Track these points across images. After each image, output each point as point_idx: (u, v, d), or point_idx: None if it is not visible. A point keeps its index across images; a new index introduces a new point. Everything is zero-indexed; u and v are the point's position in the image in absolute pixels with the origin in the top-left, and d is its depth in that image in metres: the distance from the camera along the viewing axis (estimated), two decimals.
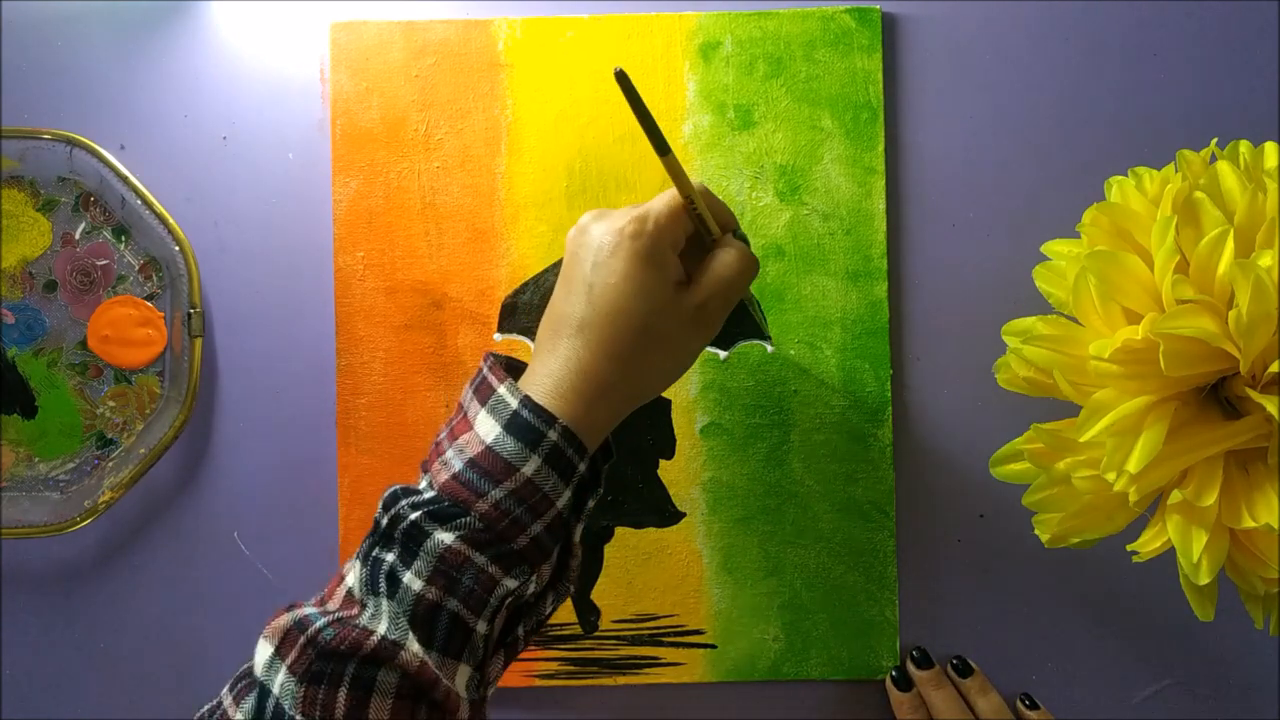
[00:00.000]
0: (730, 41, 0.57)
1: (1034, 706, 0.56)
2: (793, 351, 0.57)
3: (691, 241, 0.45)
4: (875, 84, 0.57)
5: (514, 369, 0.46)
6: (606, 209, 0.45)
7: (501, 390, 0.42)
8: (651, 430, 0.57)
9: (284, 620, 0.39)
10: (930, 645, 0.57)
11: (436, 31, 0.57)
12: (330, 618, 0.38)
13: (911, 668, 0.56)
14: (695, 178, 0.57)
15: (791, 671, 0.56)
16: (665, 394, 0.57)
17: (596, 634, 0.57)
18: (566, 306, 0.43)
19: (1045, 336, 0.46)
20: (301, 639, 0.37)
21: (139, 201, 0.56)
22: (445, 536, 0.39)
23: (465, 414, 0.43)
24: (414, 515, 0.39)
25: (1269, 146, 0.47)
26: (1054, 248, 0.50)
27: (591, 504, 0.45)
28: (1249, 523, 0.42)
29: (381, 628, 0.38)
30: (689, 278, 0.45)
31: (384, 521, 0.40)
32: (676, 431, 0.57)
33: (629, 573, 0.57)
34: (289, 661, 0.37)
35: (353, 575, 0.41)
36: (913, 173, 0.58)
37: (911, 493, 0.57)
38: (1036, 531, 0.48)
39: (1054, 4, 0.58)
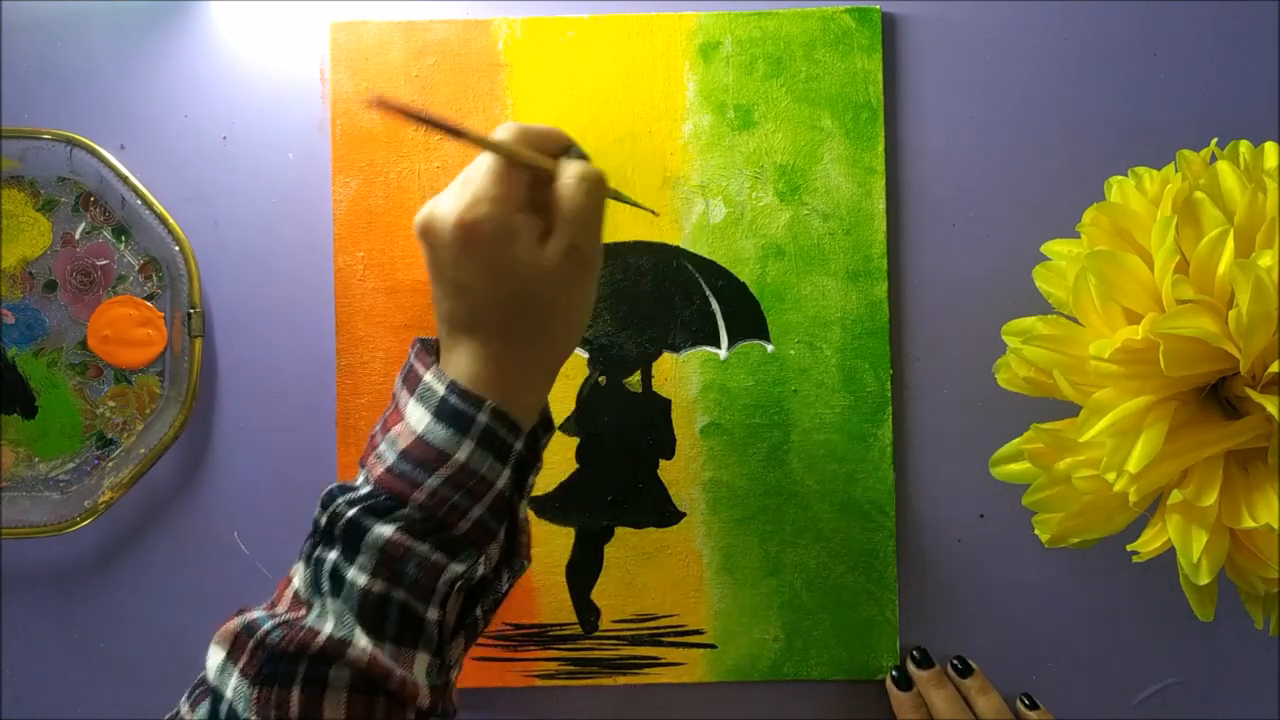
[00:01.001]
0: (730, 41, 0.57)
1: (1034, 706, 0.56)
2: (793, 351, 0.57)
3: (538, 178, 0.43)
4: (875, 84, 0.57)
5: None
6: (438, 196, 0.42)
7: (428, 377, 0.41)
8: (651, 430, 0.57)
9: (233, 625, 0.38)
10: (930, 645, 0.57)
11: (436, 31, 0.57)
12: (277, 620, 0.38)
13: (912, 667, 0.56)
14: (694, 177, 0.57)
15: (791, 671, 0.56)
16: (665, 394, 0.57)
17: (596, 634, 0.57)
18: (447, 305, 0.42)
19: (1045, 336, 0.46)
20: (250, 642, 0.37)
21: (139, 201, 0.56)
22: (385, 529, 0.39)
23: (397, 405, 0.42)
24: (351, 512, 0.39)
25: (1269, 146, 0.47)
26: (1054, 248, 0.50)
27: (532, 479, 0.45)
28: (1249, 523, 0.42)
29: (328, 626, 0.38)
30: (549, 220, 0.42)
31: (322, 521, 0.40)
32: (676, 431, 0.57)
33: (629, 573, 0.57)
34: (240, 665, 0.37)
35: (298, 577, 0.41)
36: (913, 173, 0.58)
37: (911, 493, 0.57)
38: (1036, 531, 0.48)
39: (1054, 4, 0.58)
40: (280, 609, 0.40)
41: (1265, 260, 0.40)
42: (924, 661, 0.56)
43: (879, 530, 0.56)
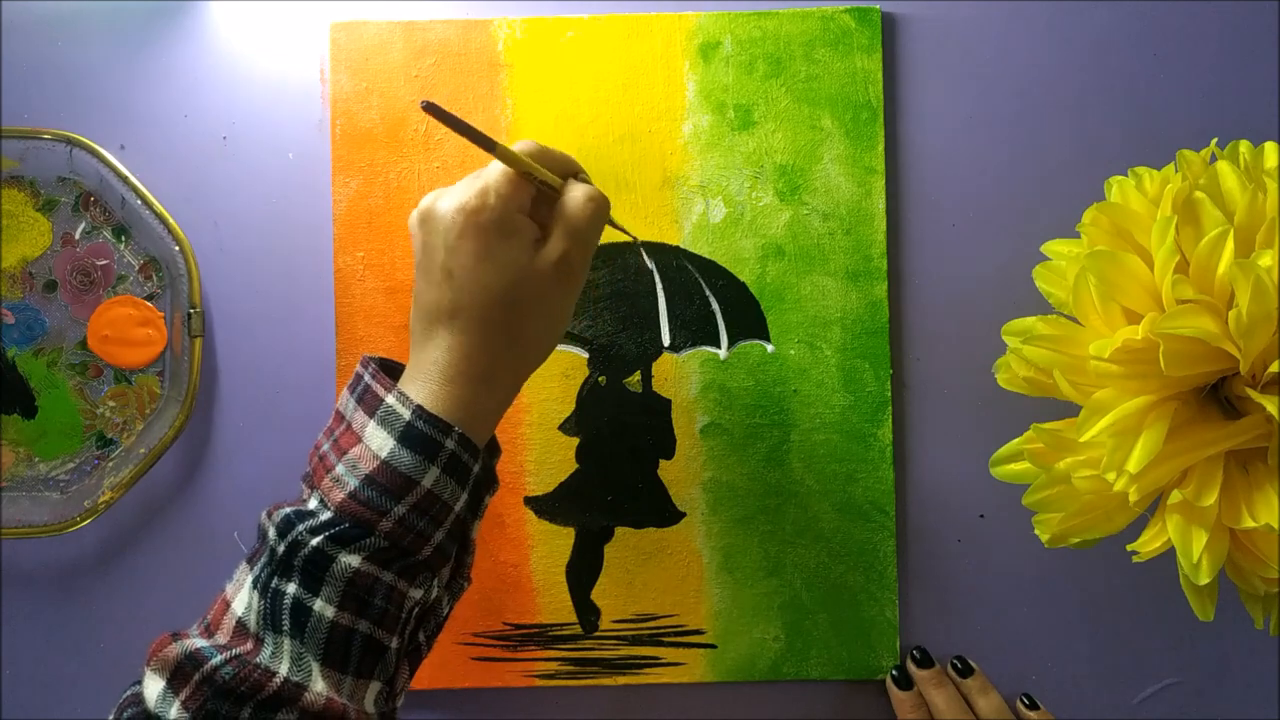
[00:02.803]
0: (730, 41, 0.57)
1: (1034, 706, 0.56)
2: (793, 351, 0.57)
3: (541, 194, 0.44)
4: (875, 84, 0.57)
5: (393, 370, 0.45)
6: (443, 188, 0.43)
7: (390, 400, 0.41)
8: (651, 430, 0.57)
9: (173, 652, 0.37)
10: (930, 645, 0.57)
11: (436, 31, 0.57)
12: (227, 655, 0.37)
13: (912, 667, 0.56)
14: (694, 177, 0.57)
15: (791, 671, 0.56)
16: (665, 394, 0.57)
17: (596, 634, 0.57)
18: (431, 295, 0.42)
19: (1045, 336, 0.46)
20: (196, 676, 0.37)
21: (139, 201, 0.56)
22: (352, 559, 0.38)
23: (350, 424, 0.42)
24: (315, 541, 0.38)
25: (1269, 146, 0.47)
26: (1054, 248, 0.50)
27: (488, 499, 0.45)
28: (1249, 523, 0.42)
29: (283, 668, 0.37)
30: (545, 231, 0.43)
31: (280, 549, 0.39)
32: (676, 431, 0.57)
33: (629, 573, 0.57)
34: (183, 698, 0.36)
35: (242, 604, 0.39)
36: (913, 173, 0.58)
37: (911, 493, 0.57)
38: (1036, 531, 0.48)
39: (1054, 4, 0.58)
40: (221, 637, 0.39)
41: (1265, 260, 0.40)
42: (924, 661, 0.56)
43: (879, 530, 0.56)
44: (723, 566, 0.57)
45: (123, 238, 0.58)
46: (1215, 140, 0.47)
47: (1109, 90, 0.58)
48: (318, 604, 0.38)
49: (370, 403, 0.41)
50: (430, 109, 0.40)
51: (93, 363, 0.57)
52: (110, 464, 0.57)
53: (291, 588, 0.38)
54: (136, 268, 0.58)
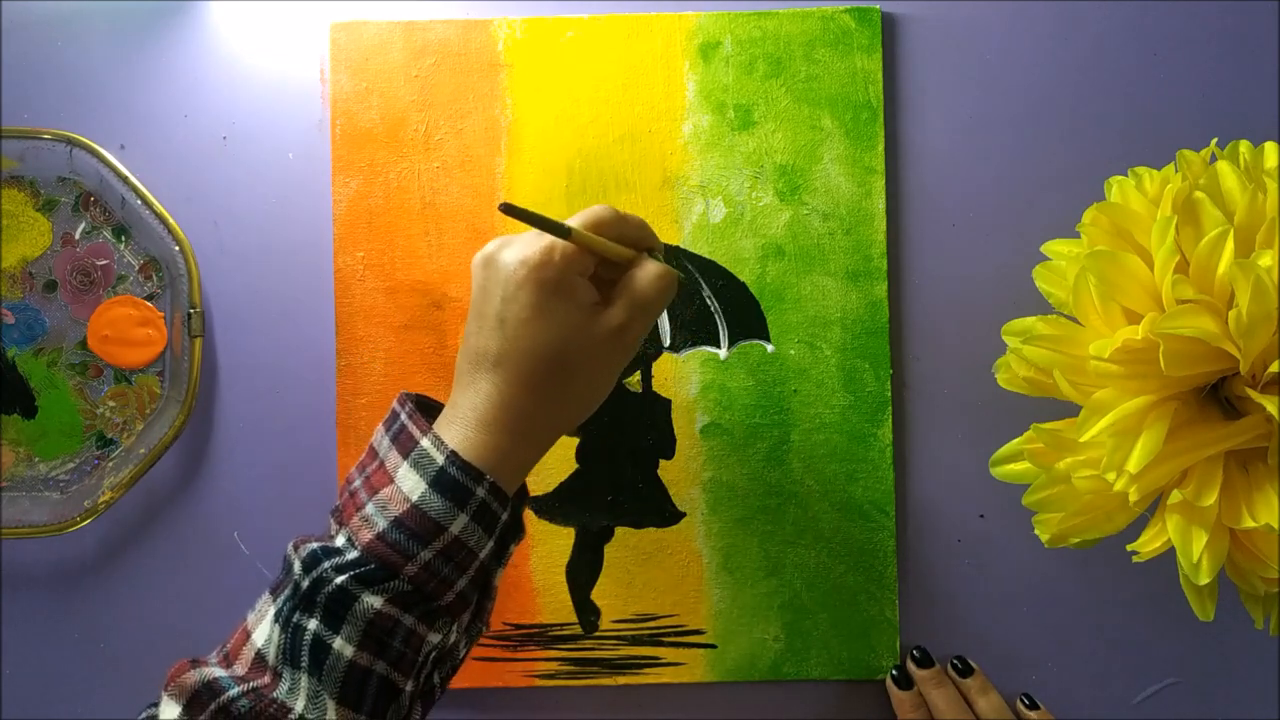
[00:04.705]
0: (730, 41, 0.57)
1: (1034, 706, 0.56)
2: (793, 351, 0.57)
3: (605, 261, 0.45)
4: (875, 84, 0.57)
5: (430, 409, 0.45)
6: (511, 236, 0.44)
7: (425, 443, 0.41)
8: (651, 430, 0.57)
9: (191, 679, 0.38)
10: (930, 645, 0.57)
11: (436, 31, 0.57)
12: (244, 686, 0.37)
13: (912, 667, 0.56)
14: (694, 177, 0.57)
15: (791, 671, 0.56)
16: (665, 394, 0.57)
17: (596, 634, 0.57)
18: (481, 340, 0.42)
19: (1045, 336, 0.46)
20: (213, 705, 0.37)
21: (139, 201, 0.56)
22: (374, 601, 0.38)
23: (383, 463, 0.42)
24: (340, 579, 0.38)
25: (1269, 146, 0.47)
26: (1054, 248, 0.50)
27: (513, 548, 0.44)
28: (1249, 523, 0.42)
29: (299, 705, 0.37)
30: (604, 298, 0.44)
31: (304, 584, 0.39)
32: (676, 431, 0.57)
33: (629, 573, 0.57)
34: None
35: (263, 635, 0.39)
36: (913, 173, 0.58)
37: (911, 493, 0.57)
38: (1036, 531, 0.48)
39: (1054, 4, 0.58)
40: (239, 668, 0.39)
41: (1265, 260, 0.40)
42: (924, 661, 0.56)
43: (879, 530, 0.57)
44: (723, 566, 0.57)
45: (123, 238, 0.58)
46: (1215, 140, 0.47)
47: (1109, 90, 0.58)
48: (337, 642, 0.38)
49: (405, 443, 0.41)
50: (508, 210, 0.41)
51: (93, 363, 0.57)
52: (110, 464, 0.57)
53: (313, 624, 0.38)
54: (136, 268, 0.58)
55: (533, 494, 0.57)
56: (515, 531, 0.45)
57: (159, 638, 0.57)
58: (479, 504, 0.40)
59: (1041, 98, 0.58)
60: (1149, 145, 0.57)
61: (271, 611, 0.40)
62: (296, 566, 0.40)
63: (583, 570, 0.57)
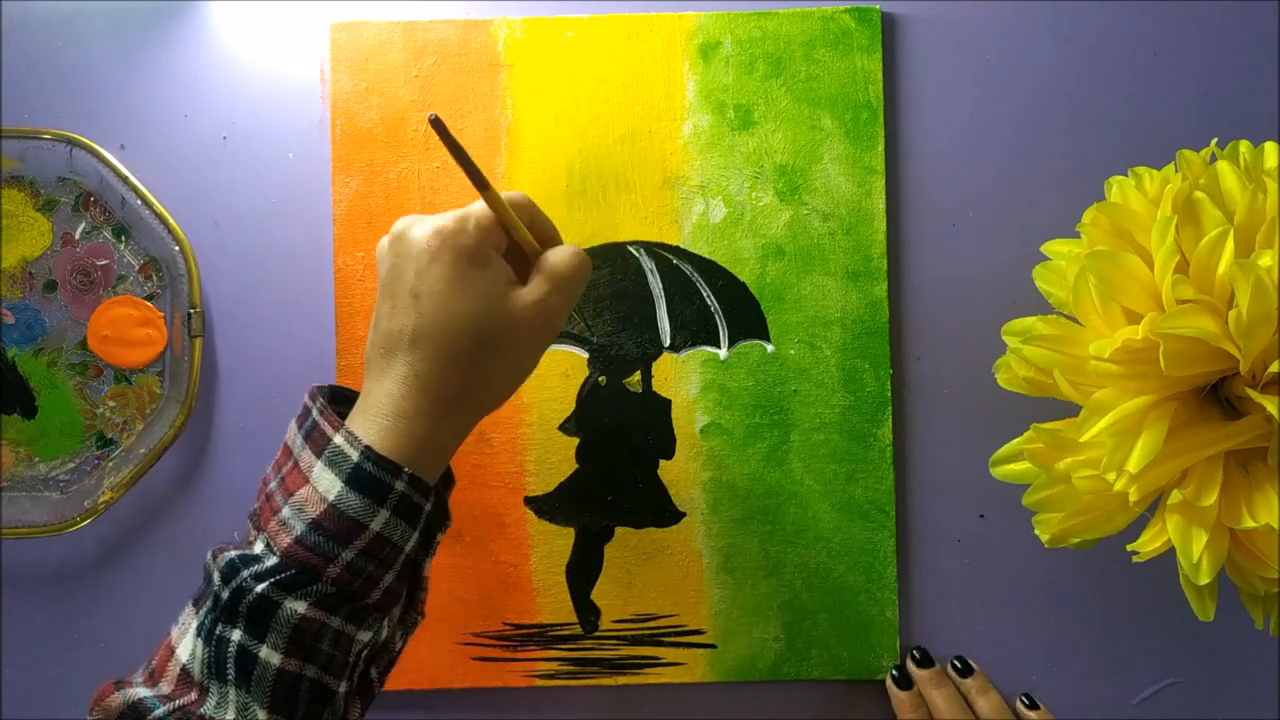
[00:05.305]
0: (730, 41, 0.57)
1: (1034, 706, 0.56)
2: (793, 351, 0.57)
3: (515, 250, 0.44)
4: (875, 84, 0.57)
5: (344, 399, 0.43)
6: (419, 214, 0.42)
7: (339, 440, 0.39)
8: (651, 430, 0.57)
9: (115, 701, 0.37)
10: (930, 645, 0.57)
11: (436, 31, 0.57)
12: (170, 705, 0.36)
13: (912, 667, 0.56)
14: (694, 177, 0.57)
15: (791, 671, 0.56)
16: (665, 394, 0.57)
17: (596, 634, 0.57)
18: (395, 321, 0.41)
19: (1045, 336, 0.46)
20: None
21: (139, 201, 0.56)
22: (298, 606, 0.37)
23: (297, 463, 0.40)
24: (260, 587, 0.37)
25: (1269, 146, 0.47)
26: (1054, 248, 0.50)
27: (439, 537, 0.43)
28: (1249, 523, 0.42)
29: (228, 718, 0.36)
30: (520, 280, 0.43)
31: (224, 595, 0.38)
32: (676, 431, 0.57)
33: (629, 573, 0.57)
34: None
35: (187, 650, 0.38)
36: (913, 173, 0.58)
37: (911, 493, 0.57)
38: (1036, 531, 0.48)
39: (1054, 4, 0.58)
40: (165, 685, 0.38)
41: (1265, 260, 0.40)
42: (924, 661, 0.56)
43: (879, 530, 0.56)
44: (723, 566, 0.57)
45: (123, 238, 0.58)
46: (1215, 140, 0.47)
47: (1109, 90, 0.58)
48: (263, 651, 0.37)
49: (318, 441, 0.40)
50: (436, 125, 0.39)
51: (93, 363, 0.57)
52: (110, 464, 0.57)
53: (236, 635, 0.37)
54: (136, 268, 0.58)
55: (533, 494, 0.57)
56: (441, 520, 0.43)
57: (159, 638, 0.57)
58: (399, 498, 0.39)
59: (1041, 98, 0.58)
60: (1149, 145, 0.57)
61: (194, 625, 0.39)
62: (215, 577, 0.39)
63: (583, 570, 0.57)
